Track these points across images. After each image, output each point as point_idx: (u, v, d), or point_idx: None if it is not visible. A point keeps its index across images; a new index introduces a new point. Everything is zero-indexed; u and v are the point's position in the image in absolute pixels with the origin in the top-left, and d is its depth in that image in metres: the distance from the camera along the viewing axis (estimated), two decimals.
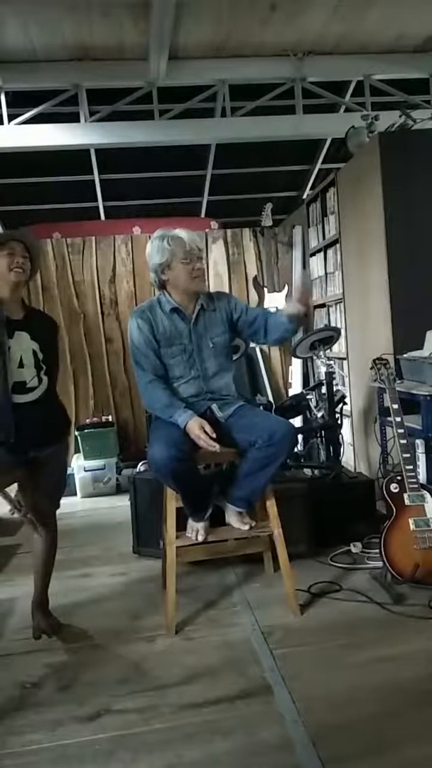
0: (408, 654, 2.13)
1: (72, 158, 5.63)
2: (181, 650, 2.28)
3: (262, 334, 2.66)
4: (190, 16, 4.21)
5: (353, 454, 4.19)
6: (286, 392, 5.34)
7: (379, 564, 2.66)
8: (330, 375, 3.54)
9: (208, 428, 2.39)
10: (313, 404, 3.73)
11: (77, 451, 4.89)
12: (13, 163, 5.49)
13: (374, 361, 3.00)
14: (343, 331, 4.13)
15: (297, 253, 5.30)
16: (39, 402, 2.28)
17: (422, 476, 3.00)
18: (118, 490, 4.73)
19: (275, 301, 5.02)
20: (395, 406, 2.78)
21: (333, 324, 4.50)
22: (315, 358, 3.85)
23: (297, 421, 4.09)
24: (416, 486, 2.62)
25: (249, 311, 2.69)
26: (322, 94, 5.22)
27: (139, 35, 4.40)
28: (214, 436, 2.38)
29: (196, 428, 2.39)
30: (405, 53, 5.01)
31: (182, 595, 2.61)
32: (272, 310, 4.88)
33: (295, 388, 5.11)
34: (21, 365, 2.24)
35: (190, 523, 2.58)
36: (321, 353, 3.66)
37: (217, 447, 2.38)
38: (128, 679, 2.11)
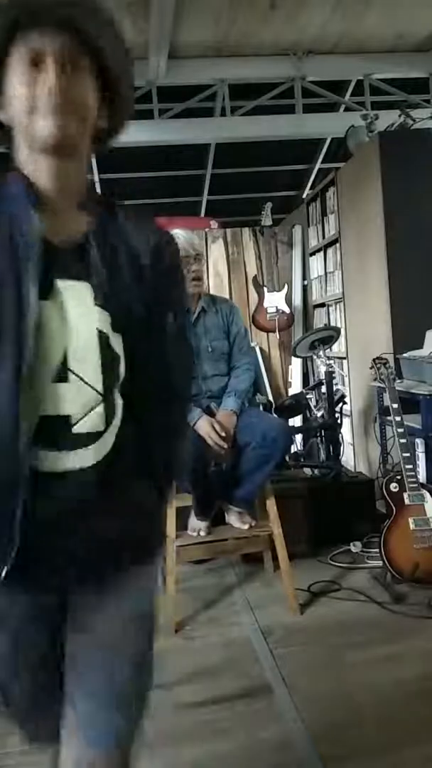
0: (408, 654, 2.14)
1: None
2: (181, 650, 2.28)
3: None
4: (189, 15, 4.21)
5: (353, 453, 4.18)
6: (286, 392, 5.32)
7: (379, 563, 2.66)
8: (330, 374, 3.54)
9: (218, 426, 2.41)
10: (312, 404, 3.73)
11: None
12: None
13: (374, 360, 3.00)
14: (343, 331, 4.12)
15: (297, 253, 5.30)
16: (102, 472, 0.92)
17: (422, 476, 3.00)
18: None
19: (275, 301, 5.02)
20: (395, 406, 2.78)
21: (333, 323, 4.50)
22: (315, 357, 3.85)
23: (297, 421, 4.09)
24: (416, 485, 2.62)
25: (237, 340, 2.69)
26: (321, 93, 5.22)
27: (139, 35, 4.40)
28: (224, 434, 2.41)
29: (207, 426, 2.41)
30: (405, 53, 5.00)
31: (182, 595, 2.61)
32: (271, 310, 4.95)
33: (295, 387, 5.10)
34: (64, 371, 0.89)
35: (193, 522, 2.58)
36: (321, 353, 3.65)
37: (225, 446, 2.41)
38: None
